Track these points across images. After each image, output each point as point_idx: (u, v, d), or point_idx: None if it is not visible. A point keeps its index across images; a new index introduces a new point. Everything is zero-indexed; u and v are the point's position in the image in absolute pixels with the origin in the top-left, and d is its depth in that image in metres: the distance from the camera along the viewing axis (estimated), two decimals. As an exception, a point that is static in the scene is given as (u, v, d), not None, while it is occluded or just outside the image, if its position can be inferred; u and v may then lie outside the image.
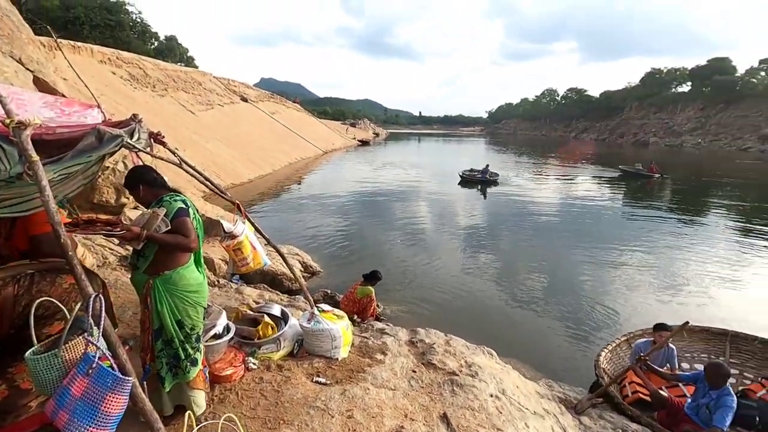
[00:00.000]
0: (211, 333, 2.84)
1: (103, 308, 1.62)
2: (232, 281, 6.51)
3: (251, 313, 3.33)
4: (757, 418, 3.98)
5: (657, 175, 23.12)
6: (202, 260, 2.59)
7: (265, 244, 3.33)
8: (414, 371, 3.32)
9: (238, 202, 2.99)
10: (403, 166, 28.75)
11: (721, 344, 5.22)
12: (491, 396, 3.07)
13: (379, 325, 4.46)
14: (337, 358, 3.23)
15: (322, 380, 2.94)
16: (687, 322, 4.16)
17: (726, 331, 5.29)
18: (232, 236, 2.87)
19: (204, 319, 2.66)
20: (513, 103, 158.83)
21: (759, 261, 9.38)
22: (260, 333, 3.11)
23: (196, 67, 43.76)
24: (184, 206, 2.34)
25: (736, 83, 70.23)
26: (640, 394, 4.27)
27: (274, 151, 25.80)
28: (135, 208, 7.01)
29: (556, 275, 8.38)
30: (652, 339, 4.57)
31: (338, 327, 3.18)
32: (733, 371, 4.98)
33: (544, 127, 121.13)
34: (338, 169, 27.10)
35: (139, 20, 42.58)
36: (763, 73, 69.03)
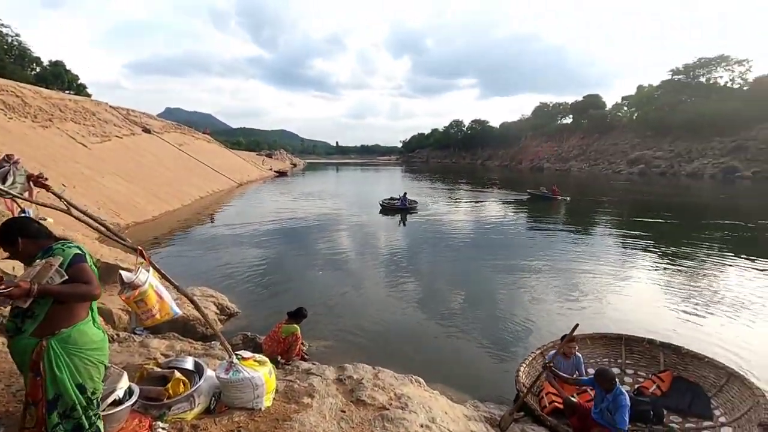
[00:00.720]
0: (110, 399, 2.47)
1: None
2: (135, 332, 5.82)
3: (159, 369, 2.97)
4: (651, 412, 4.49)
5: (560, 197, 25.81)
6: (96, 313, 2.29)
7: (171, 289, 3.04)
8: (343, 411, 3.21)
9: (140, 247, 2.70)
10: (322, 196, 28.63)
11: (618, 348, 5.83)
12: (421, 426, 3.07)
13: (305, 365, 4.27)
14: (261, 408, 3.00)
15: (244, 436, 2.71)
16: (576, 325, 4.65)
17: (621, 335, 5.92)
18: (133, 286, 2.57)
19: (102, 383, 2.33)
20: (425, 134, 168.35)
21: (637, 267, 10.82)
22: (170, 391, 2.77)
23: (89, 96, 39.91)
24: (80, 252, 2.10)
25: (606, 116, 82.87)
26: (556, 404, 4.58)
27: (182, 185, 24.12)
28: (7, 258, 6.00)
29: (476, 296, 8.81)
30: (561, 350, 4.96)
31: (260, 374, 2.97)
32: (629, 371, 5.58)
33: (453, 155, 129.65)
34: (255, 202, 26.11)
35: (16, 43, 37.92)
36: (625, 108, 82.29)
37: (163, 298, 2.74)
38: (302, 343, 5.57)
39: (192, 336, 5.80)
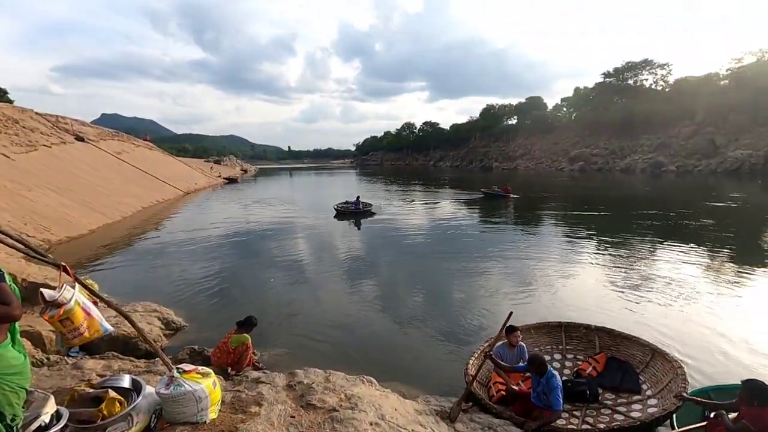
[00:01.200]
0: (35, 425, 2.32)
1: None
2: (70, 355, 5.44)
3: (91, 390, 2.81)
4: (588, 392, 4.83)
5: (512, 195, 26.97)
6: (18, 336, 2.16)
7: (103, 307, 2.90)
8: (293, 416, 3.20)
9: (64, 264, 2.55)
10: (275, 203, 28.05)
11: (558, 335, 6.19)
12: (371, 424, 3.12)
13: (254, 374, 4.19)
14: (205, 421, 2.92)
15: (188, 451, 2.63)
16: (511, 313, 5.02)
17: (561, 323, 6.30)
18: (57, 305, 2.42)
19: (24, 409, 2.20)
20: (378, 136, 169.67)
21: (577, 258, 11.54)
22: (104, 412, 2.64)
23: (11, 102, 36.72)
24: None
25: (548, 117, 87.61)
26: (503, 392, 4.81)
27: (123, 196, 22.76)
28: None
29: (430, 294, 9.01)
30: (507, 341, 5.21)
31: (203, 387, 2.89)
32: (569, 356, 5.95)
33: (406, 157, 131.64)
34: (203, 211, 25.11)
35: None
36: (564, 109, 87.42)
37: (91, 315, 2.60)
38: (254, 353, 5.46)
39: (134, 354, 5.52)
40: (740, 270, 9.88)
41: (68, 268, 2.54)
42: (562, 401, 4.00)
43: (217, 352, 5.18)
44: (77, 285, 2.61)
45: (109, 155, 31.21)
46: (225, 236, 15.84)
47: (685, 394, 4.08)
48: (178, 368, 2.98)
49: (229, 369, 5.05)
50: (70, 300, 2.47)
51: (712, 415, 3.78)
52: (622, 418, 4.45)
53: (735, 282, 9.03)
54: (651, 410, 4.45)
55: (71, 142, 28.24)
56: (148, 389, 2.98)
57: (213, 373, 3.13)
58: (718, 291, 8.54)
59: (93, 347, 5.70)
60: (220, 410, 3.12)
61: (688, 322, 7.00)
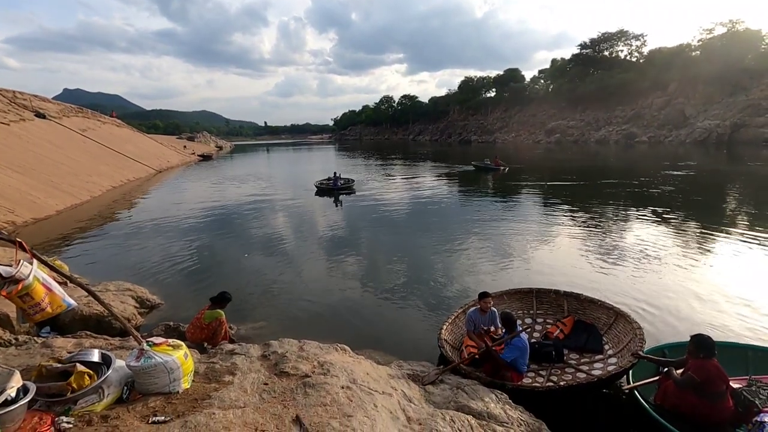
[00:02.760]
0: (0, 400, 2.32)
1: None
2: (41, 335, 5.38)
3: (59, 365, 2.81)
4: (553, 353, 5.10)
5: (502, 167, 27.21)
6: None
7: (72, 287, 2.86)
8: (266, 384, 3.28)
9: (19, 240, 2.50)
10: (253, 180, 27.56)
11: (530, 300, 6.45)
12: (342, 388, 3.23)
13: (229, 346, 4.25)
14: (178, 391, 2.98)
15: (161, 418, 2.68)
16: (483, 292, 5.36)
17: (531, 289, 6.56)
18: (15, 281, 2.38)
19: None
20: (356, 110, 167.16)
21: (552, 227, 11.89)
22: (74, 385, 2.65)
23: (-38, 77, 34.44)
24: None
25: (525, 89, 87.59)
26: (476, 355, 5.02)
27: (90, 175, 21.96)
28: None
29: (408, 266, 9.15)
30: (479, 306, 5.39)
31: (174, 358, 2.93)
32: (539, 320, 6.22)
33: (386, 131, 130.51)
34: (178, 189, 24.51)
35: None
36: (542, 81, 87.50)
37: (53, 291, 2.57)
38: (230, 327, 5.50)
39: (108, 333, 5.48)
40: (696, 233, 10.47)
41: (24, 244, 2.48)
42: (515, 355, 4.26)
43: (191, 328, 5.20)
44: (35, 261, 2.57)
45: (73, 133, 29.85)
46: (200, 214, 15.58)
47: (640, 353, 4.35)
48: (148, 341, 3.00)
49: (206, 344, 5.09)
50: (29, 275, 2.43)
51: (664, 370, 4.06)
52: (584, 376, 4.72)
53: (691, 244, 9.55)
54: (610, 368, 4.73)
55: (31, 119, 26.81)
56: (119, 362, 3.00)
57: (184, 345, 3.16)
58: (676, 254, 8.99)
59: (65, 327, 5.64)
60: (193, 380, 3.18)
61: (650, 284, 7.39)
